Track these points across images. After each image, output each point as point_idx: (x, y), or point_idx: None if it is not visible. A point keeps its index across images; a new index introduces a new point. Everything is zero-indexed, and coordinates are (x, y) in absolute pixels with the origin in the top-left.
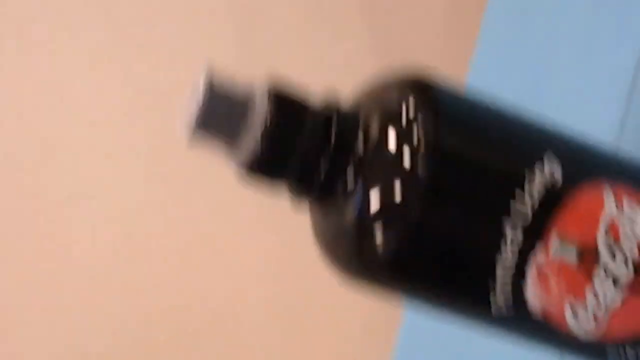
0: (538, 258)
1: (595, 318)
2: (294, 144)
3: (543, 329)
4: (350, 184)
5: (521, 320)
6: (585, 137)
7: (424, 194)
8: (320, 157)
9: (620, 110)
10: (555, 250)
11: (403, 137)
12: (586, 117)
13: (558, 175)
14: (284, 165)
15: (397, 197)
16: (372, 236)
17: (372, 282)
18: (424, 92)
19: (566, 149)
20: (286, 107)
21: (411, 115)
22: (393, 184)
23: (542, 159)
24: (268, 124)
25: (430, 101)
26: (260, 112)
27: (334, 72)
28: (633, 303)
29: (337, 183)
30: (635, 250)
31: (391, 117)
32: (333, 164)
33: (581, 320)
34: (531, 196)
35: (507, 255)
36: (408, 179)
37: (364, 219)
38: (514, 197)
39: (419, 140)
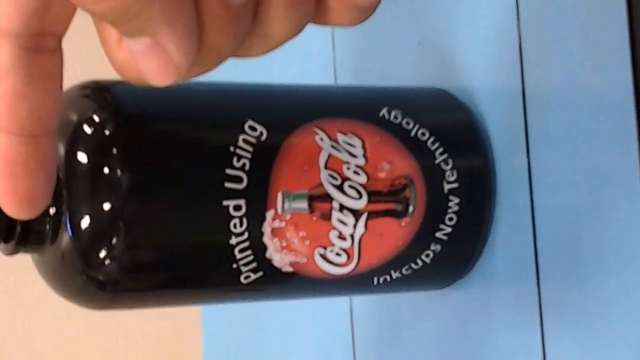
0: (271, 221)
1: (348, 254)
2: None
3: (302, 282)
4: (55, 212)
5: (277, 282)
6: (289, 87)
7: (134, 198)
8: None
9: (329, 48)
10: (284, 207)
11: (92, 147)
12: (303, 62)
13: (264, 137)
14: None
15: (107, 209)
16: (98, 255)
17: (119, 301)
18: (99, 94)
19: (266, 109)
20: None
21: (94, 121)
22: (99, 197)
23: (243, 129)
24: None
25: (108, 101)
26: None
27: None
28: (378, 226)
29: (41, 218)
30: (363, 176)
31: (74, 129)
32: None
33: (334, 261)
34: (243, 169)
35: (240, 233)
36: (111, 187)
37: (83, 241)
38: (226, 177)
39: (108, 144)
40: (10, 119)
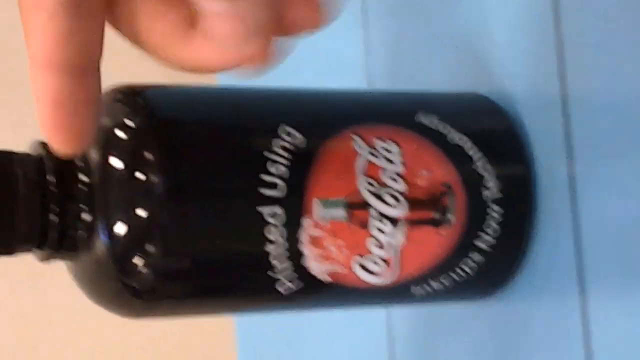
0: (307, 229)
1: (387, 262)
2: (13, 205)
3: (340, 292)
4: (89, 219)
5: (315, 291)
6: (324, 92)
7: (169, 204)
8: (46, 205)
9: (362, 54)
10: (321, 214)
11: (126, 152)
12: (336, 68)
13: (300, 143)
14: (11, 233)
15: (142, 215)
16: (133, 262)
17: (155, 310)
18: (132, 99)
19: (302, 114)
20: None
21: (127, 126)
22: (134, 203)
23: (278, 134)
24: None
25: (142, 106)
26: None
27: None
28: (417, 234)
29: (76, 224)
30: (401, 183)
31: (107, 135)
32: (62, 206)
33: (373, 270)
34: (279, 175)
35: (277, 241)
36: (146, 193)
37: (118, 248)
38: (261, 183)
39: (143, 150)
40: (61, 55)
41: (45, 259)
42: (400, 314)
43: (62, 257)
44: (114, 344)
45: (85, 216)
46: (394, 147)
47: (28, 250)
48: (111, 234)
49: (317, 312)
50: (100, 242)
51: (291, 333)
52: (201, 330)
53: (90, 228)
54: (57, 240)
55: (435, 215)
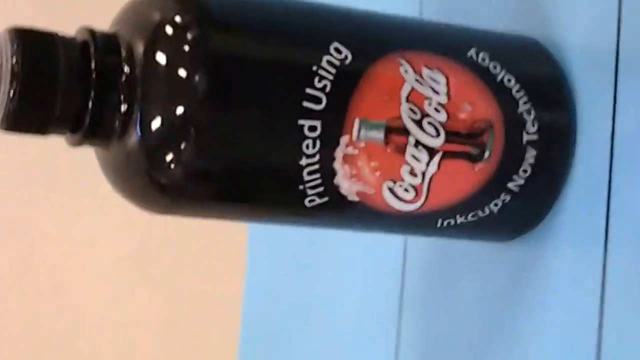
0: (344, 147)
1: (416, 191)
2: (52, 85)
3: (366, 214)
4: (127, 109)
5: (341, 210)
6: (378, 14)
7: (209, 105)
8: (84, 89)
9: None
10: (360, 135)
11: (173, 48)
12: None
13: (348, 61)
14: (47, 113)
15: (180, 113)
16: (165, 158)
17: (179, 207)
18: None
19: (353, 33)
20: (33, 46)
21: (177, 22)
22: (173, 100)
23: (328, 50)
24: (17, 71)
25: (194, 5)
26: (5, 61)
27: None
28: (451, 167)
29: (112, 113)
30: (443, 114)
31: (156, 28)
32: (100, 93)
33: (402, 196)
34: (323, 90)
35: (311, 155)
36: (187, 91)
37: (151, 142)
38: (305, 96)
39: (190, 48)
40: None
41: (77, 143)
42: (418, 245)
43: (94, 144)
44: (120, 239)
45: (123, 106)
46: (441, 78)
47: (61, 132)
48: (147, 127)
49: (335, 231)
50: (134, 134)
51: (303, 251)
52: (212, 240)
53: (126, 118)
54: (91, 125)
55: (472, 150)
